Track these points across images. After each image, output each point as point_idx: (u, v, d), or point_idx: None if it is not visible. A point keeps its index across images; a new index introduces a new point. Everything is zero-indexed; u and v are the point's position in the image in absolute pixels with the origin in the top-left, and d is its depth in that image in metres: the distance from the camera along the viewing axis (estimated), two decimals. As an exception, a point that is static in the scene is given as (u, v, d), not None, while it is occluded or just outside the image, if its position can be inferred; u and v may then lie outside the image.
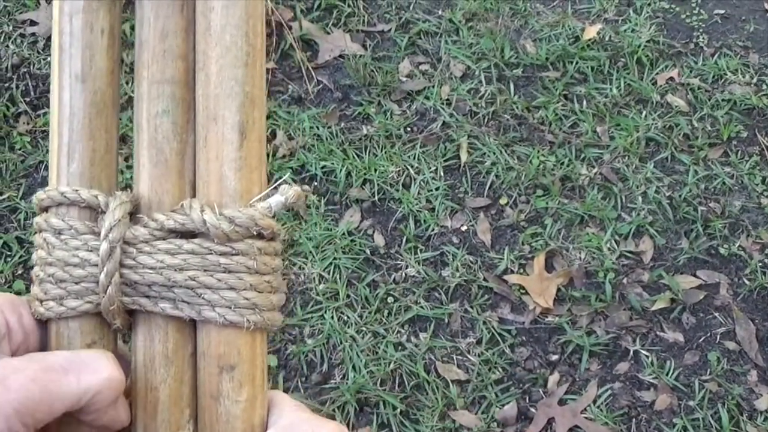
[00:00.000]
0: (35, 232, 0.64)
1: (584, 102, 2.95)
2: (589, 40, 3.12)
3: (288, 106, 2.90)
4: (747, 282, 2.52)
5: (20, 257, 2.56)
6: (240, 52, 0.62)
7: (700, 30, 3.20)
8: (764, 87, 3.02)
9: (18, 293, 2.44)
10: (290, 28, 3.01)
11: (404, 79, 3.06)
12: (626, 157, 2.78)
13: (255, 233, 0.62)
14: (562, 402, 2.29)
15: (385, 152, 2.83)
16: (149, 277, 0.62)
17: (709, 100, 2.97)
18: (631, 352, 2.37)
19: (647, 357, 2.38)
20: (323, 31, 3.15)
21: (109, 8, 0.64)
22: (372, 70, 3.06)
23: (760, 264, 2.55)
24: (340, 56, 3.11)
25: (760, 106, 2.95)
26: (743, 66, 3.09)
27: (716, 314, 2.46)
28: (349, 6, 3.26)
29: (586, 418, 2.26)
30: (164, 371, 0.63)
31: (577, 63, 3.05)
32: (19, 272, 2.54)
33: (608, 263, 2.53)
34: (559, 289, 2.48)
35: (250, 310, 0.62)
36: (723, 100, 2.97)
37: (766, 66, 3.09)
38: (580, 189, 2.72)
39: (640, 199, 2.67)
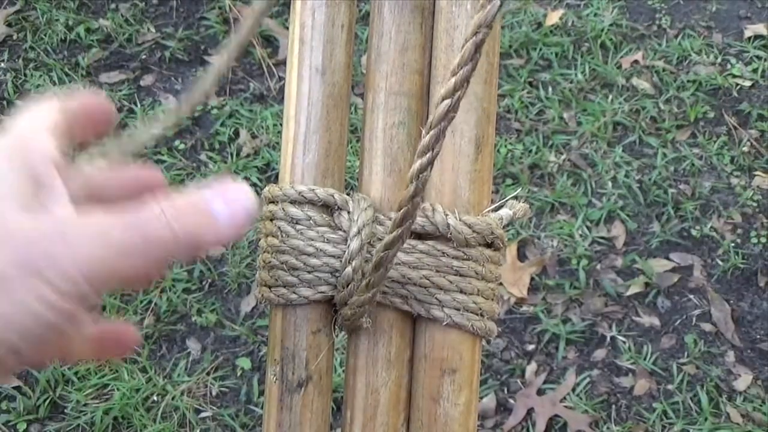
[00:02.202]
0: (266, 219, 0.66)
1: (550, 88, 2.92)
2: (552, 25, 3.10)
3: (250, 104, 2.85)
4: (720, 263, 2.51)
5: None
6: (481, 69, 0.65)
7: (663, 11, 3.18)
8: (729, 66, 3.01)
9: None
10: (249, 24, 2.97)
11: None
12: (594, 143, 2.76)
13: (488, 242, 0.65)
14: (540, 392, 2.28)
15: (351, 147, 2.79)
16: None
17: (675, 81, 2.96)
18: (608, 339, 2.36)
19: (624, 343, 2.36)
20: (283, 26, 3.09)
21: (349, 4, 0.67)
22: (334, 65, 3.00)
23: (733, 244, 2.54)
24: (301, 52, 3.05)
25: (726, 86, 2.94)
26: (707, 46, 3.07)
27: (691, 296, 2.45)
28: (308, 0, 3.22)
29: (565, 406, 2.25)
30: (386, 375, 0.65)
31: (540, 49, 3.02)
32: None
33: (581, 250, 2.51)
34: (532, 278, 2.47)
35: (477, 315, 0.64)
36: (688, 81, 2.96)
37: (730, 45, 3.08)
38: (549, 176, 2.70)
39: (609, 184, 2.65)
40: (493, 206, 0.66)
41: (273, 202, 0.66)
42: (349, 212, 0.65)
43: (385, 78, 0.66)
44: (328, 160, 0.66)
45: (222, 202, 0.53)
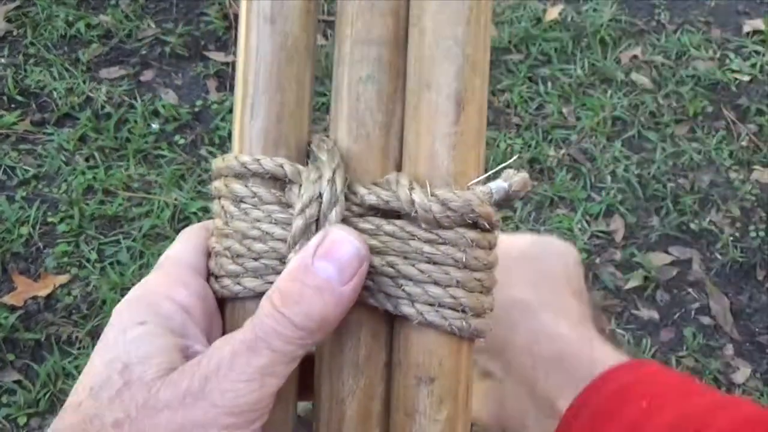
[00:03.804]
0: (213, 198, 0.56)
1: (549, 83, 2.92)
2: (551, 21, 3.10)
3: (251, 100, 2.85)
4: (719, 256, 2.51)
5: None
6: (461, 6, 0.52)
7: (662, 7, 3.19)
8: (727, 62, 3.02)
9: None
10: (249, 20, 2.97)
11: (367, 67, 3.00)
12: (593, 137, 2.76)
13: (469, 221, 0.52)
14: (539, 385, 2.27)
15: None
16: None
17: (674, 76, 2.96)
18: (607, 332, 2.35)
19: (623, 336, 2.35)
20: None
21: None
22: (334, 60, 3.00)
23: (731, 238, 2.54)
24: (301, 47, 3.05)
25: (724, 80, 2.95)
26: (706, 41, 3.08)
27: (690, 290, 2.45)
28: (308, -4, 3.21)
29: (564, 399, 2.24)
30: (353, 383, 0.54)
31: (540, 45, 3.02)
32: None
33: (580, 244, 2.50)
34: (532, 273, 2.45)
35: (457, 312, 0.52)
36: (687, 76, 2.96)
37: (729, 41, 3.09)
38: (548, 171, 2.70)
39: (609, 178, 2.65)
40: (482, 177, 0.54)
41: (218, 177, 0.56)
42: (301, 185, 0.53)
43: (350, 24, 0.54)
44: (281, 125, 0.54)
45: (323, 259, 0.49)
